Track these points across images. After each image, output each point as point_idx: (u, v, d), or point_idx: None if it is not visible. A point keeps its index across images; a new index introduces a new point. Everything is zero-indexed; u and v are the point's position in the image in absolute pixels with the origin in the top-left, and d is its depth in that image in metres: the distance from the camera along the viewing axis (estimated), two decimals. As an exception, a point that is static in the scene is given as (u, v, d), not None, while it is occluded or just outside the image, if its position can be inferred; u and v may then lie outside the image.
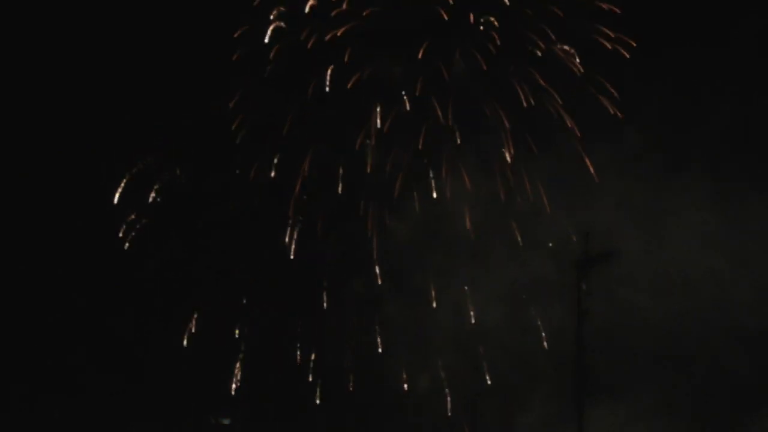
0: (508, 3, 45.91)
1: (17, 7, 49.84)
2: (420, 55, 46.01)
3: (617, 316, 43.00)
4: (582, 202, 44.15)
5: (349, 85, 46.05)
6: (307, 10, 46.62)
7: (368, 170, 46.46)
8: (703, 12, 45.36)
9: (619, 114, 45.12)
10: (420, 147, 46.20)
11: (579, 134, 45.34)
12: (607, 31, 45.56)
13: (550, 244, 45.20)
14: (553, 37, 45.84)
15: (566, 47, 45.85)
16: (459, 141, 46.04)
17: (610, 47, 45.55)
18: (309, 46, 46.44)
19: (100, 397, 47.98)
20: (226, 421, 48.43)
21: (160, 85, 47.86)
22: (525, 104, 45.52)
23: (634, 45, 45.22)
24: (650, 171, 44.18)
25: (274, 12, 47.05)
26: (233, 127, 46.97)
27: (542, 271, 44.42)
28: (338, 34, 45.99)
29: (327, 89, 46.54)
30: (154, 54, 47.91)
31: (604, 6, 45.77)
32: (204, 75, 47.40)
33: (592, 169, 44.95)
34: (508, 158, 45.68)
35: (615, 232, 42.51)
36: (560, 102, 45.67)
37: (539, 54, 45.93)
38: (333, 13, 46.27)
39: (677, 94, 44.51)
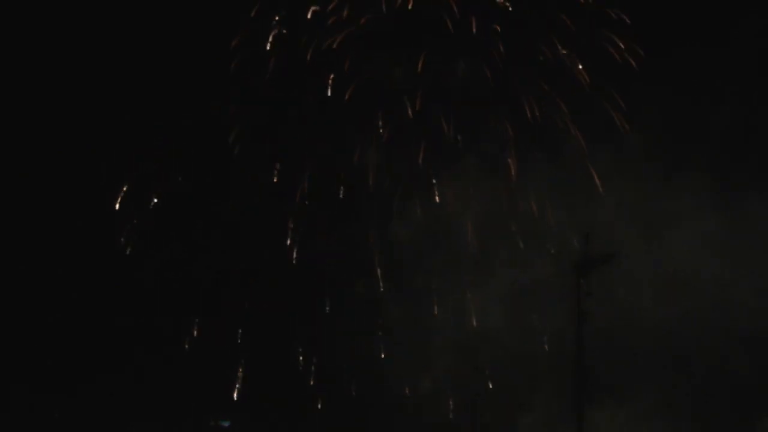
0: (510, 9, 45.86)
1: (18, 9, 49.77)
2: (422, 60, 46.06)
3: (619, 317, 42.82)
4: (583, 204, 44.08)
5: (349, 93, 46.14)
6: (309, 15, 46.71)
7: (370, 175, 46.53)
8: (703, 12, 45.26)
9: (626, 126, 45.20)
10: (422, 151, 46.33)
11: (582, 138, 45.45)
12: (616, 39, 45.48)
13: (552, 251, 45.02)
14: (559, 47, 45.84)
15: (566, 51, 45.83)
16: (461, 146, 46.12)
17: (619, 58, 45.53)
18: (309, 52, 46.57)
19: (100, 397, 47.93)
20: (226, 423, 48.37)
21: (160, 88, 47.84)
22: (529, 113, 45.63)
23: (643, 56, 45.28)
24: (652, 173, 44.05)
25: (275, 17, 47.04)
26: (232, 138, 47.17)
27: (543, 273, 44.28)
28: (340, 40, 46.03)
29: (329, 94, 46.67)
30: (155, 57, 47.88)
31: (612, 14, 45.70)
32: (204, 79, 47.46)
33: (594, 173, 45.01)
34: (511, 162, 45.72)
35: (617, 234, 42.38)
36: (565, 109, 45.73)
37: (542, 58, 46.00)
38: (334, 20, 46.30)
39: (678, 95, 44.38)
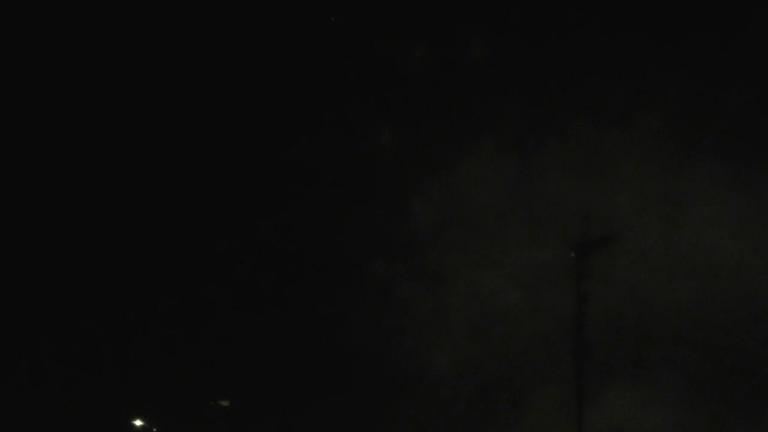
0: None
1: (17, 6, 49.83)
2: (437, 43, 46.17)
3: (631, 299, 42.50)
4: (596, 185, 43.76)
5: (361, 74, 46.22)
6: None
7: (384, 155, 46.30)
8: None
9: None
10: (435, 130, 46.04)
11: (596, 118, 45.05)
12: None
13: (564, 232, 44.45)
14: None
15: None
16: (476, 126, 45.82)
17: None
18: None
19: (99, 388, 47.44)
20: (225, 403, 47.78)
21: (161, 88, 47.86)
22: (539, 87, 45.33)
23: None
24: (668, 152, 43.56)
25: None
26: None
27: (556, 255, 43.70)
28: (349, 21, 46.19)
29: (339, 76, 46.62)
30: (159, 58, 47.89)
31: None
32: (205, 78, 47.43)
33: (607, 152, 44.53)
34: (524, 142, 45.38)
35: (631, 215, 42.42)
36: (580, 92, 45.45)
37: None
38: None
39: (694, 77, 43.99)
